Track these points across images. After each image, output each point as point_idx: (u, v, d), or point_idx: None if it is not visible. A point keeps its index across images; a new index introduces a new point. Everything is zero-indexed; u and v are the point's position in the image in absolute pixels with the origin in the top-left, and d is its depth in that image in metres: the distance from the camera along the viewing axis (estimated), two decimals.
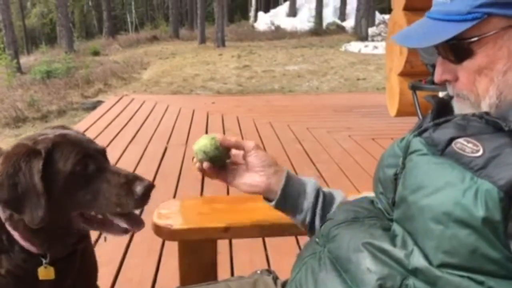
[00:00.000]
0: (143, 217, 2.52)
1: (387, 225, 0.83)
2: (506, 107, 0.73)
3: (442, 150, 0.73)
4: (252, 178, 1.01)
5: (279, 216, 1.13)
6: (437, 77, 0.80)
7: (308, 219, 0.98)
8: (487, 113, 0.73)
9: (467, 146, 0.70)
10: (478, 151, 0.68)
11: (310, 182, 1.01)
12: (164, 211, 1.14)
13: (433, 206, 0.69)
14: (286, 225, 1.09)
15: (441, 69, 0.79)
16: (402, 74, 4.00)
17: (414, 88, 3.36)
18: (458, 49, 0.75)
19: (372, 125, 4.73)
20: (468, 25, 0.71)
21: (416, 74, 3.67)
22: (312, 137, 4.31)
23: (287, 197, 0.98)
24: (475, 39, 0.72)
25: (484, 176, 0.65)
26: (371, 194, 0.99)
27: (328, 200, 1.02)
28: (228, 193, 2.96)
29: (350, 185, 3.05)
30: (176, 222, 1.08)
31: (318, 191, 1.00)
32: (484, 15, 0.70)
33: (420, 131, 0.82)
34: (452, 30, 0.73)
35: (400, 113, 4.11)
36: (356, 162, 3.53)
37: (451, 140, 0.73)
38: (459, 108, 0.80)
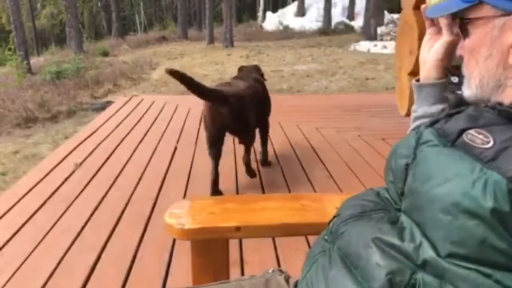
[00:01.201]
0: (154, 216, 2.54)
1: (394, 216, 0.84)
2: None
3: (453, 141, 0.75)
4: None
5: (290, 216, 1.14)
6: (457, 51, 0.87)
7: None
8: (500, 104, 0.74)
9: (477, 137, 0.71)
10: (488, 142, 0.69)
11: None
12: (176, 210, 1.15)
13: (442, 196, 0.69)
14: (297, 224, 1.09)
15: (459, 45, 0.85)
16: (412, 73, 3.96)
17: None
18: (461, 27, 0.82)
19: (381, 125, 4.71)
20: (463, 5, 0.78)
21: None
22: (321, 136, 4.30)
23: None
24: (469, 21, 0.78)
25: (494, 167, 0.65)
26: None
27: None
28: (237, 191, 2.97)
29: (359, 184, 3.04)
30: (188, 222, 1.08)
31: None
32: (476, 0, 0.75)
33: (432, 122, 0.84)
34: (454, 7, 0.80)
35: (410, 112, 4.08)
36: (365, 162, 3.51)
37: (462, 131, 0.74)
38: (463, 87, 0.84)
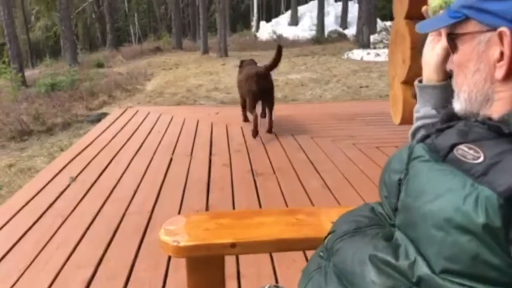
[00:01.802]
0: (150, 229, 2.53)
1: (389, 232, 0.85)
2: (508, 111, 0.74)
3: (444, 156, 0.75)
4: None
5: (287, 231, 1.14)
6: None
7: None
8: (489, 118, 0.75)
9: (468, 153, 0.71)
10: (479, 157, 0.69)
11: None
12: (171, 227, 1.15)
13: (434, 212, 0.70)
14: (293, 240, 1.09)
15: (449, 60, 0.88)
16: (405, 82, 3.98)
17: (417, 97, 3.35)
18: (449, 42, 0.83)
19: (376, 133, 4.73)
20: (451, 21, 0.81)
21: None
22: (317, 146, 4.32)
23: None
24: (456, 36, 0.81)
25: (485, 182, 0.66)
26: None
27: None
28: (233, 203, 2.97)
29: (355, 194, 3.05)
30: (183, 239, 1.08)
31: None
32: (463, 15, 0.78)
33: (423, 138, 0.85)
34: (441, 24, 0.84)
35: (404, 121, 4.09)
36: (361, 171, 3.52)
37: (452, 146, 0.75)
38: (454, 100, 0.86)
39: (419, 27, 0.92)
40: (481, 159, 0.69)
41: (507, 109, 0.75)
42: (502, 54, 0.72)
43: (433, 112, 1.05)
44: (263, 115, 5.16)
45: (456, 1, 0.82)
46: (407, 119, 4.10)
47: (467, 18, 0.78)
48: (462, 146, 0.73)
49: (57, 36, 27.98)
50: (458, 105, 0.83)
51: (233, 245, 1.07)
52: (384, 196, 0.90)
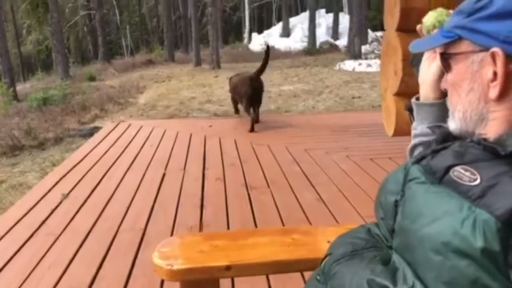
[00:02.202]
0: (143, 247, 2.50)
1: (386, 255, 0.84)
2: (503, 132, 0.74)
3: (440, 178, 0.74)
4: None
5: (282, 252, 1.12)
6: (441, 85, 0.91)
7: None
8: (485, 139, 0.75)
9: (464, 175, 0.71)
10: (475, 179, 0.69)
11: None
12: (164, 249, 1.13)
13: (432, 236, 0.69)
14: (288, 261, 1.08)
15: (443, 79, 0.87)
16: (398, 94, 3.99)
17: (410, 109, 3.36)
18: (443, 61, 0.84)
19: (369, 144, 4.73)
20: (444, 41, 0.81)
21: (412, 94, 3.64)
22: (310, 158, 4.31)
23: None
24: (450, 55, 0.81)
25: (482, 205, 0.65)
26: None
27: None
28: (227, 218, 2.94)
29: (350, 208, 3.03)
30: (176, 262, 1.06)
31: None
32: (456, 35, 0.79)
33: (418, 159, 0.83)
34: (434, 43, 0.84)
35: (398, 133, 4.09)
36: (355, 184, 3.52)
37: (448, 168, 0.74)
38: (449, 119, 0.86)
39: (413, 46, 0.92)
40: (478, 181, 0.68)
41: (502, 128, 0.75)
42: (495, 74, 0.73)
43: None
44: (253, 114, 5.95)
45: (449, 21, 0.83)
46: (400, 131, 4.10)
47: (460, 38, 0.79)
48: (458, 168, 0.72)
49: (48, 49, 27.92)
50: (453, 124, 0.83)
51: (228, 268, 1.05)
52: (380, 218, 0.89)
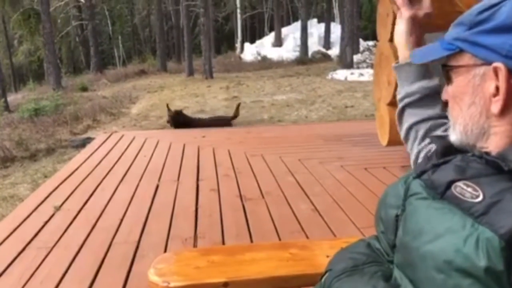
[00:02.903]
0: (137, 261, 2.46)
1: (387, 270, 0.83)
2: (506, 146, 0.73)
3: (442, 193, 0.73)
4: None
5: (281, 267, 1.10)
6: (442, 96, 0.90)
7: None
8: (487, 153, 0.74)
9: (466, 191, 0.70)
10: (478, 196, 0.68)
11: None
12: (160, 266, 1.10)
13: (434, 254, 0.68)
14: (288, 277, 1.06)
15: (444, 90, 0.86)
16: (391, 104, 4.00)
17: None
18: (444, 73, 0.83)
19: (363, 154, 4.73)
20: (445, 53, 0.80)
21: None
22: (305, 168, 4.30)
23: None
24: (451, 68, 0.80)
25: (485, 223, 0.64)
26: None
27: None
28: (222, 230, 2.91)
29: (346, 218, 3.02)
30: (172, 279, 1.04)
31: None
32: (457, 48, 0.78)
33: (419, 173, 0.82)
34: (435, 55, 0.82)
35: (392, 142, 4.10)
36: (350, 194, 3.51)
37: (450, 183, 0.73)
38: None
39: (413, 57, 0.92)
40: (480, 197, 0.67)
41: (503, 143, 0.74)
42: (497, 88, 0.72)
43: (413, 88, 1.07)
44: None
45: (450, 32, 0.82)
46: (394, 140, 4.10)
47: (461, 51, 0.77)
48: (459, 183, 0.72)
49: (40, 60, 27.84)
50: (453, 136, 0.82)
51: (225, 285, 1.03)
52: (381, 232, 0.88)
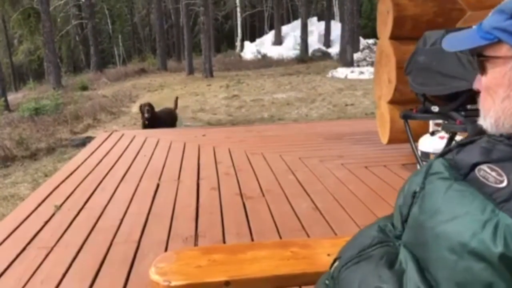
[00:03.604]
0: (137, 261, 2.45)
1: (393, 251, 0.81)
2: None
3: (465, 175, 0.72)
4: None
5: (282, 266, 1.10)
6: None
7: None
8: None
9: (490, 175, 0.68)
10: (502, 181, 0.66)
11: None
12: (161, 265, 1.10)
13: (449, 234, 0.67)
14: (290, 276, 1.06)
15: (476, 78, 0.81)
16: (392, 102, 4.01)
17: (405, 117, 3.37)
18: (479, 63, 0.78)
19: (364, 152, 4.72)
20: (482, 42, 0.76)
21: (406, 101, 3.68)
22: (305, 166, 4.29)
23: None
24: (487, 58, 0.76)
25: (507, 209, 0.63)
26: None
27: None
28: (223, 229, 2.91)
29: (346, 216, 3.01)
30: (174, 278, 1.04)
31: None
32: (495, 38, 0.74)
33: (443, 152, 0.81)
34: (471, 43, 0.78)
35: (392, 140, 4.11)
36: (351, 192, 3.50)
37: (474, 165, 0.71)
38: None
39: (447, 44, 0.86)
40: (505, 183, 0.66)
41: None
42: None
43: None
44: None
45: (488, 21, 0.77)
46: (395, 139, 4.11)
47: (500, 41, 0.74)
48: (483, 167, 0.70)
49: (40, 59, 27.83)
50: (483, 126, 0.79)
51: (227, 283, 1.03)
52: (398, 205, 0.86)
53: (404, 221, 0.80)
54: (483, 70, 0.78)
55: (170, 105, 8.94)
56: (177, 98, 9.15)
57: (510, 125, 0.74)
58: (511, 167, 0.67)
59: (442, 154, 0.80)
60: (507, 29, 0.72)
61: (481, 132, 0.80)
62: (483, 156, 0.72)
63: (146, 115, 7.65)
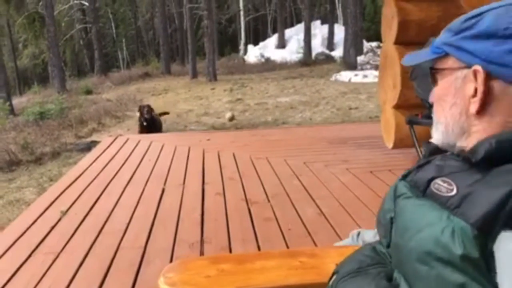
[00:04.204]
0: (144, 266, 2.45)
1: (390, 271, 0.87)
2: (475, 141, 0.78)
3: (423, 191, 0.79)
4: None
5: (291, 276, 1.10)
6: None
7: None
8: (463, 151, 0.79)
9: (442, 186, 0.75)
10: (452, 190, 0.73)
11: None
12: (170, 274, 1.10)
13: (416, 247, 0.73)
14: (300, 286, 1.06)
15: (431, 92, 0.90)
16: (397, 106, 4.01)
17: (411, 122, 3.37)
18: (431, 76, 0.88)
19: (369, 157, 4.72)
20: (432, 56, 0.86)
21: (411, 106, 3.68)
22: (310, 171, 4.29)
23: None
24: (437, 70, 0.85)
25: (459, 214, 0.69)
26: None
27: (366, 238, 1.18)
28: (229, 235, 2.91)
29: (352, 222, 3.01)
30: None
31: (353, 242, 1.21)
32: (443, 52, 0.83)
33: (404, 175, 0.90)
34: (423, 57, 0.88)
35: (397, 145, 4.11)
36: (356, 197, 3.50)
37: (429, 181, 0.79)
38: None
39: (405, 60, 0.96)
40: (454, 191, 0.73)
41: (479, 140, 0.78)
42: (476, 90, 0.77)
43: None
44: None
45: (440, 37, 0.87)
46: (400, 143, 4.11)
47: (447, 55, 0.83)
48: (437, 180, 0.77)
49: (45, 63, 27.96)
50: (435, 135, 0.87)
51: None
52: (382, 237, 0.93)
53: (387, 246, 0.88)
54: (434, 82, 0.87)
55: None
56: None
57: (458, 131, 0.81)
58: (459, 177, 0.75)
59: (404, 177, 0.88)
60: (452, 43, 0.81)
61: (436, 151, 0.88)
62: (437, 172, 0.80)
63: (146, 116, 7.81)
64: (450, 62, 0.82)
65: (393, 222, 0.85)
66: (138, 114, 8.09)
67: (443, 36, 0.85)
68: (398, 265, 0.81)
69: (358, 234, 1.24)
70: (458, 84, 0.80)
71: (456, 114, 0.81)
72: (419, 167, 0.86)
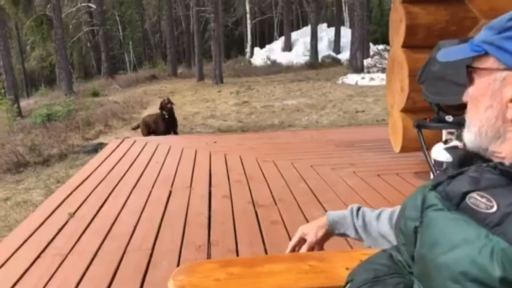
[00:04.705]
0: (151, 269, 2.46)
1: (409, 282, 0.83)
2: (509, 147, 0.74)
3: (457, 204, 0.74)
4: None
5: (301, 280, 1.10)
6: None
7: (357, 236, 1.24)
8: (501, 163, 0.74)
9: (481, 201, 0.70)
10: (492, 207, 0.68)
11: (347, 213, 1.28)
12: (180, 277, 1.10)
13: (449, 265, 0.69)
14: None
15: (465, 92, 0.85)
16: (405, 110, 3.99)
17: (419, 126, 3.35)
18: (467, 74, 0.83)
19: (376, 160, 4.71)
20: (471, 54, 0.81)
21: (419, 110, 3.66)
22: (317, 174, 4.28)
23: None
24: (474, 69, 0.81)
25: (500, 233, 0.65)
26: (387, 209, 1.18)
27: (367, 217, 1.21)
28: (236, 238, 2.91)
29: None
30: None
31: (352, 216, 1.26)
32: (483, 50, 0.79)
33: (435, 185, 0.83)
34: (462, 54, 0.83)
35: (405, 149, 4.09)
36: (363, 201, 3.48)
37: (464, 194, 0.73)
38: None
39: (441, 55, 0.91)
40: (495, 208, 0.68)
41: None
42: None
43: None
44: None
45: (479, 35, 0.82)
46: (407, 147, 4.09)
47: (487, 54, 0.78)
48: (474, 194, 0.72)
49: (52, 65, 28.12)
50: (467, 137, 0.83)
51: None
52: (402, 244, 0.88)
53: (413, 258, 0.83)
54: (470, 81, 0.82)
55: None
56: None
57: (492, 135, 0.77)
58: (499, 193, 0.69)
59: (434, 187, 0.82)
60: (494, 42, 0.77)
61: (465, 157, 0.84)
62: (472, 185, 0.74)
63: (168, 106, 8.11)
64: (489, 62, 0.78)
65: (418, 233, 0.81)
66: (158, 110, 8.35)
67: (484, 34, 0.80)
68: (423, 278, 0.77)
69: (359, 209, 1.21)
70: (496, 86, 0.76)
71: (491, 118, 0.77)
72: (451, 177, 0.80)
